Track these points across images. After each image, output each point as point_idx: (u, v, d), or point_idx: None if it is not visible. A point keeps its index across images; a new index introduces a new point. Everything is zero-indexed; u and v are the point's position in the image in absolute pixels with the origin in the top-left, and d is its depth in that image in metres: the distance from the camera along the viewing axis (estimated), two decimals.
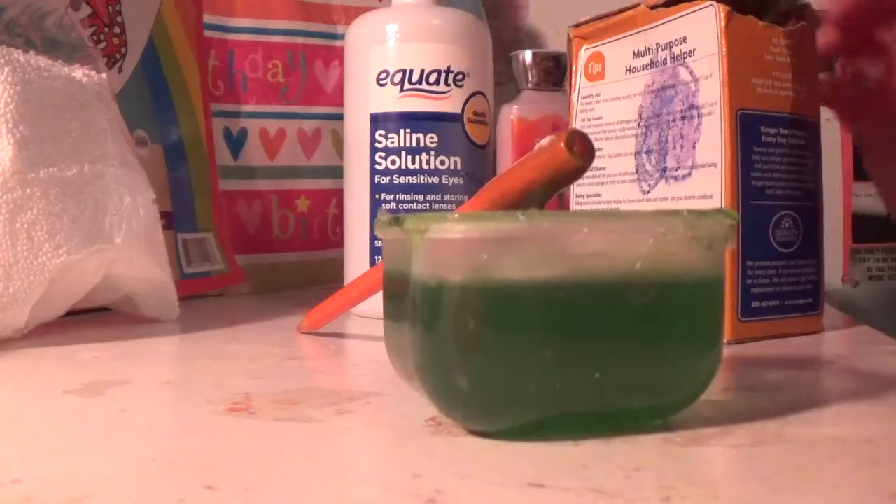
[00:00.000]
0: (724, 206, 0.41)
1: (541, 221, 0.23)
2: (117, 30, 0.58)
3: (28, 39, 0.51)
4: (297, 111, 0.72)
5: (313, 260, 0.73)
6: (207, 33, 0.69)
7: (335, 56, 0.74)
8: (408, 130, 0.51)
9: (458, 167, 0.52)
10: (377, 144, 0.52)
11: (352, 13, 0.75)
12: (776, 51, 0.42)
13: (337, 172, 0.73)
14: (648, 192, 0.45)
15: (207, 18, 0.69)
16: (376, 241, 0.52)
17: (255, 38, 0.71)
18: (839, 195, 0.85)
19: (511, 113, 0.68)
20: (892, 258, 0.86)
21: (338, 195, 0.74)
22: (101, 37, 0.57)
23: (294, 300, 0.59)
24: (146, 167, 0.50)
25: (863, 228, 0.86)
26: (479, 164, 0.54)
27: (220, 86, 0.70)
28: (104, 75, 0.49)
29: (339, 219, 0.74)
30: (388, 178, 0.52)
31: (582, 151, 0.31)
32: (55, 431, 0.27)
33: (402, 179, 0.51)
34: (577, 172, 0.32)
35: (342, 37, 0.73)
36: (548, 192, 0.33)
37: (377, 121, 0.52)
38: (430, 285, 0.24)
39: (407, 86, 0.51)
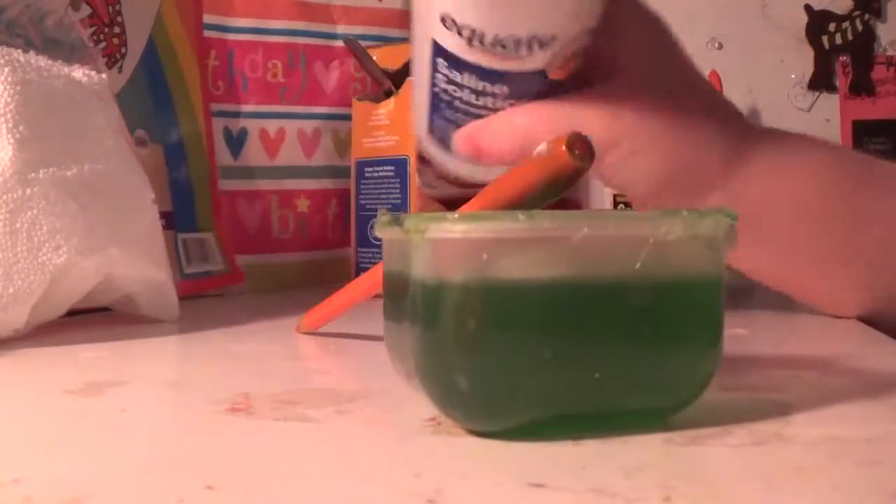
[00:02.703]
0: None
1: (541, 221, 0.23)
2: (117, 30, 0.58)
3: (28, 39, 0.51)
4: (297, 111, 0.72)
5: (313, 260, 0.73)
6: (207, 33, 0.69)
7: (335, 56, 0.74)
8: (474, 77, 0.41)
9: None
10: (438, 72, 0.41)
11: (352, 13, 0.75)
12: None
13: (337, 172, 0.74)
14: None
15: (207, 18, 0.69)
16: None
17: (255, 38, 0.71)
18: None
19: None
20: None
21: (337, 195, 0.74)
22: (101, 37, 0.57)
23: (294, 300, 0.59)
24: (146, 167, 0.50)
25: None
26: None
27: (220, 86, 0.70)
28: (104, 75, 0.49)
29: (338, 218, 0.74)
30: (452, 110, 0.42)
31: (583, 154, 0.31)
32: (55, 431, 0.27)
33: (466, 104, 0.42)
34: (577, 174, 0.32)
35: (342, 37, 0.73)
36: (548, 195, 0.33)
37: (440, 52, 0.40)
38: (430, 285, 0.24)
39: (476, 44, 0.39)
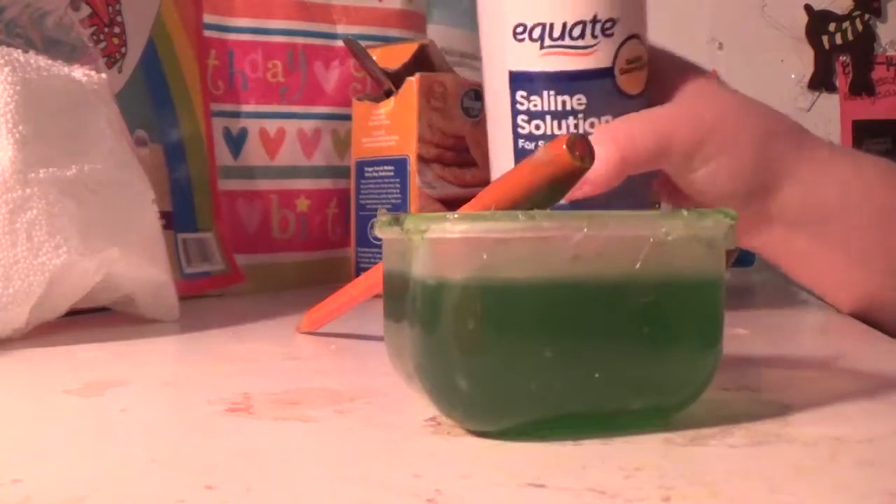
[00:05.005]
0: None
1: (541, 221, 0.23)
2: (117, 30, 0.58)
3: (28, 39, 0.51)
4: (297, 111, 0.72)
5: (313, 260, 0.73)
6: (207, 33, 0.69)
7: (335, 56, 0.74)
8: (551, 93, 0.45)
9: None
10: (519, 107, 0.45)
11: (352, 13, 0.75)
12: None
13: (337, 172, 0.73)
14: None
15: (207, 18, 0.69)
16: None
17: (255, 38, 0.71)
18: None
19: None
20: None
21: (338, 195, 0.74)
22: (101, 37, 0.57)
23: (294, 300, 0.59)
24: (146, 167, 0.50)
25: None
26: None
27: (220, 86, 0.70)
28: (104, 75, 0.49)
29: (338, 218, 0.74)
30: (534, 143, 0.46)
31: (583, 154, 0.31)
32: (55, 431, 0.27)
33: None
34: (577, 174, 0.32)
35: (342, 37, 0.73)
36: (549, 195, 0.33)
37: (517, 80, 0.45)
38: (430, 285, 0.24)
39: (548, 42, 0.44)
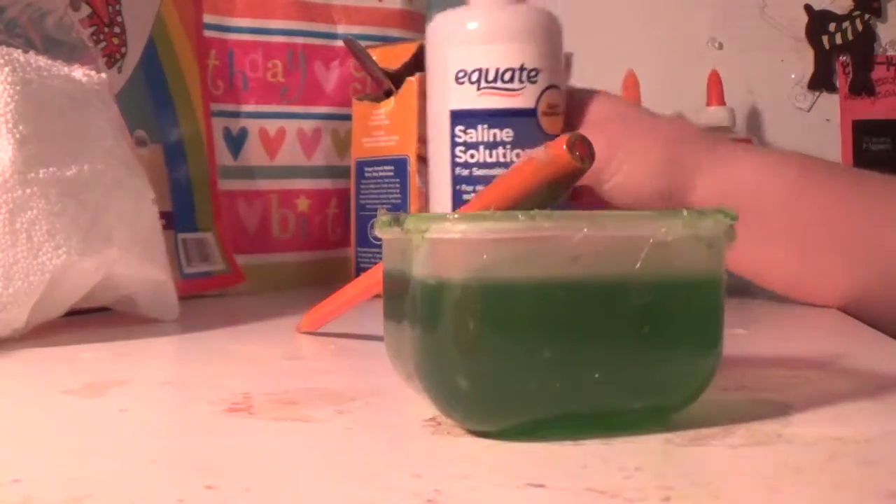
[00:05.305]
0: None
1: (540, 221, 0.23)
2: (117, 30, 0.58)
3: (28, 39, 0.51)
4: (297, 111, 0.72)
5: (313, 260, 0.73)
6: (207, 33, 0.69)
7: (335, 56, 0.74)
8: (485, 126, 0.54)
9: None
10: (457, 139, 0.54)
11: (352, 13, 0.75)
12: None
13: (337, 172, 0.73)
14: None
15: (207, 18, 0.69)
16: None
17: (255, 38, 0.71)
18: None
19: None
20: None
21: (337, 195, 0.74)
22: (101, 37, 0.57)
23: (294, 300, 0.59)
24: (146, 167, 0.50)
25: None
26: None
27: (220, 86, 0.70)
28: (104, 75, 0.49)
29: (338, 218, 0.74)
30: (468, 170, 0.54)
31: (583, 154, 0.31)
32: (55, 431, 0.27)
33: (481, 172, 0.54)
34: (577, 175, 0.32)
35: (342, 37, 0.73)
36: (549, 195, 0.33)
37: (457, 117, 0.54)
38: (430, 285, 0.24)
39: (483, 84, 0.53)
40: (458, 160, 0.54)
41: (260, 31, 0.71)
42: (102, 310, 0.50)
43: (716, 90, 0.99)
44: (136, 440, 0.26)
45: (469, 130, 0.54)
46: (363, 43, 0.68)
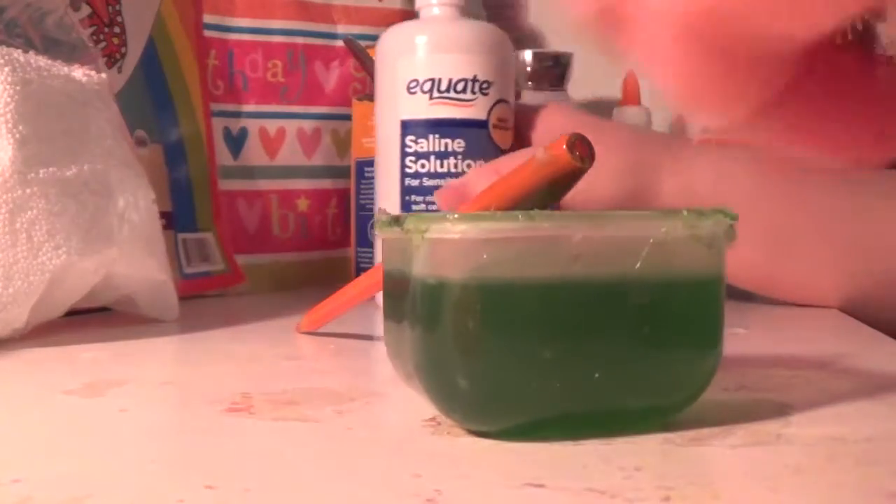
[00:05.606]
0: None
1: (540, 221, 0.23)
2: (117, 30, 0.58)
3: (28, 39, 0.51)
4: (297, 111, 0.72)
5: (313, 260, 0.73)
6: (207, 33, 0.69)
7: (335, 56, 0.74)
8: (436, 136, 0.54)
9: None
10: (407, 149, 0.54)
11: (352, 13, 0.75)
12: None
13: (337, 172, 0.73)
14: None
15: (207, 18, 0.69)
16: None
17: (255, 38, 0.71)
18: None
19: None
20: None
21: (338, 195, 0.74)
22: (101, 37, 0.57)
23: (294, 300, 0.59)
24: (146, 167, 0.50)
25: None
26: None
27: (220, 86, 0.70)
28: (104, 75, 0.49)
29: (338, 219, 0.74)
30: (418, 180, 0.54)
31: (583, 154, 0.31)
32: (55, 431, 0.27)
33: (432, 182, 0.54)
34: (577, 174, 0.32)
35: (342, 37, 0.73)
36: (549, 195, 0.33)
37: (407, 127, 0.54)
38: (430, 285, 0.24)
39: (436, 94, 0.53)
40: (408, 170, 0.54)
41: (260, 31, 0.71)
42: (102, 310, 0.50)
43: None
44: (136, 440, 0.26)
45: (420, 140, 0.54)
46: (363, 43, 0.68)
